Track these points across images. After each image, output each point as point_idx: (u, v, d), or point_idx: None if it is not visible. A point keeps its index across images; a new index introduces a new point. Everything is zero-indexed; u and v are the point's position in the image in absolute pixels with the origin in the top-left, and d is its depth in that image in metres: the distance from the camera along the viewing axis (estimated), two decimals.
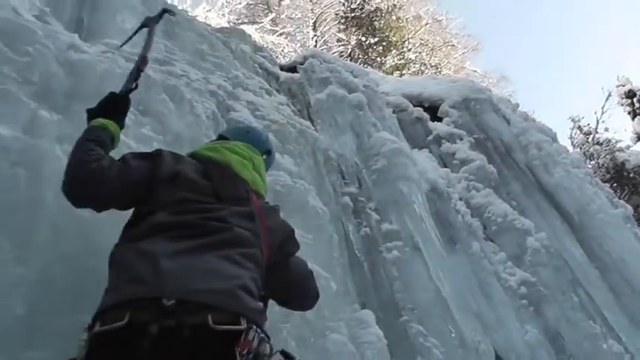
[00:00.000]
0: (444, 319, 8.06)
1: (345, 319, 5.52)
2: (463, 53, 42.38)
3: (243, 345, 2.46)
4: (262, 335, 2.60)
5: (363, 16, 35.71)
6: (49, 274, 3.36)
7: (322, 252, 6.00)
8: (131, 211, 3.31)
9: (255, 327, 2.57)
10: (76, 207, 3.27)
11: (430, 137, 13.80)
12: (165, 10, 4.89)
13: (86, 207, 3.32)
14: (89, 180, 3.15)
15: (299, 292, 3.75)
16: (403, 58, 36.91)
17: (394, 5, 37.08)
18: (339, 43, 36.67)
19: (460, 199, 11.74)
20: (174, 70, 6.87)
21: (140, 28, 4.79)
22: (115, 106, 3.67)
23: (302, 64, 12.89)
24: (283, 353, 2.71)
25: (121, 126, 3.64)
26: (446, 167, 12.83)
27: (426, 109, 14.65)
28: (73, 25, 7.28)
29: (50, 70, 4.55)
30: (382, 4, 36.55)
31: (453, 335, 7.99)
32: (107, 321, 2.44)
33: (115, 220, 3.72)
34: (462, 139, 13.64)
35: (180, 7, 11.20)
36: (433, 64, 38.12)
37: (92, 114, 3.60)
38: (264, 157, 4.10)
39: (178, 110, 5.61)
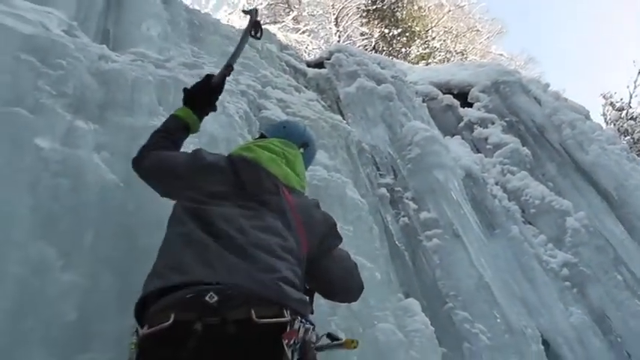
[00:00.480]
0: (488, 305, 8.04)
1: (391, 309, 5.52)
2: (488, 38, 42.11)
3: (290, 335, 2.47)
4: (307, 325, 2.61)
5: (385, 7, 35.54)
6: (96, 280, 3.43)
7: (363, 243, 5.99)
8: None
9: (299, 317, 2.59)
10: None
11: (462, 124, 13.77)
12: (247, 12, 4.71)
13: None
14: (138, 162, 3.75)
15: (343, 284, 3.69)
16: (428, 47, 36.71)
17: None
18: (363, 37, 36.55)
19: (496, 183, 11.70)
20: (203, 72, 6.85)
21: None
22: (201, 98, 4.13)
23: (328, 59, 12.93)
24: (329, 336, 2.72)
25: (201, 116, 4.14)
26: (479, 153, 12.80)
27: (455, 96, 14.61)
28: (100, 37, 7.37)
29: (83, 82, 4.60)
30: None
31: (498, 320, 7.97)
32: (153, 323, 2.49)
33: (159, 222, 3.79)
34: (493, 124, 13.58)
35: (202, 12, 11.15)
36: (459, 51, 37.86)
37: (184, 99, 4.10)
38: (302, 150, 4.09)
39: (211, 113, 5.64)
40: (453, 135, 13.21)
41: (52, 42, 4.68)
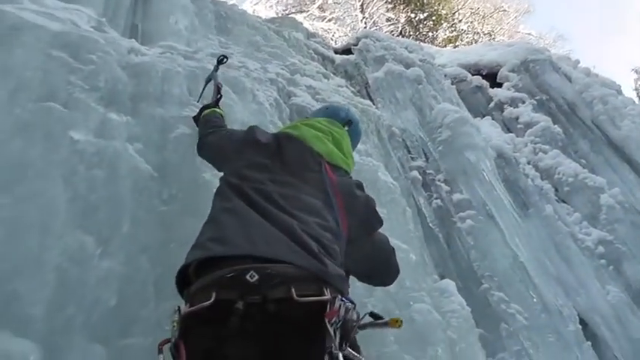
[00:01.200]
0: (524, 285, 8.03)
1: (426, 290, 5.51)
2: (515, 17, 41.51)
3: (331, 314, 2.43)
4: (348, 303, 2.56)
5: None
6: (134, 266, 3.52)
7: (397, 225, 6.00)
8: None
9: (339, 296, 2.55)
10: None
11: (492, 104, 13.70)
12: (219, 61, 5.20)
13: None
14: (199, 150, 4.15)
15: (381, 267, 3.72)
16: (455, 30, 36.34)
17: None
18: (389, 23, 36.26)
19: (528, 163, 11.63)
20: (231, 62, 6.94)
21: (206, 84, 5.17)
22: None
23: (356, 45, 12.94)
24: (372, 314, 2.72)
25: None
26: (510, 132, 12.70)
27: (484, 77, 14.52)
28: (128, 32, 7.47)
29: (114, 75, 4.68)
30: None
31: (534, 300, 7.96)
32: (195, 302, 2.50)
33: (193, 210, 3.87)
34: (524, 103, 13.48)
35: (228, 3, 11.22)
36: (486, 32, 37.42)
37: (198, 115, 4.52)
38: (347, 128, 4.10)
39: (242, 100, 5.70)
40: (483, 116, 13.15)
41: (83, 38, 4.76)
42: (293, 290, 2.45)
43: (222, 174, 3.52)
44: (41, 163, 3.53)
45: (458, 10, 37.37)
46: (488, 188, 9.11)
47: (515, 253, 8.18)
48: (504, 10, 40.67)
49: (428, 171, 9.43)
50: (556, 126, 12.70)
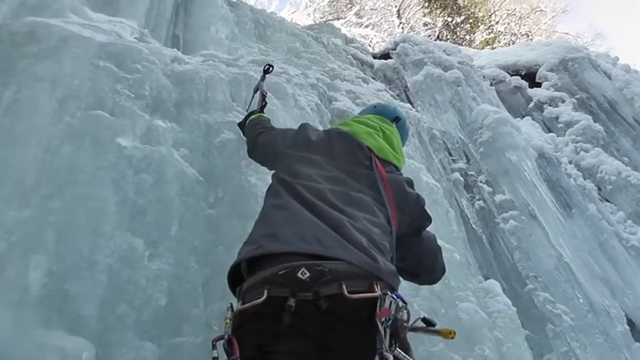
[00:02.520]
0: (570, 285, 7.96)
1: (472, 289, 5.51)
2: (552, 17, 41.02)
3: (382, 313, 2.43)
4: (398, 301, 2.52)
5: None
6: (182, 268, 3.60)
7: (441, 226, 6.00)
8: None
9: (389, 293, 2.52)
10: None
11: (531, 104, 13.60)
12: (265, 71, 5.23)
13: None
14: (250, 152, 4.29)
15: (429, 265, 3.73)
16: (492, 32, 36.10)
17: None
18: (426, 27, 36.19)
19: (570, 162, 11.50)
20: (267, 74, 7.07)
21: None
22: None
23: (394, 49, 12.98)
24: (425, 320, 2.70)
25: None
26: (551, 132, 12.60)
27: (523, 77, 14.45)
28: (170, 43, 7.62)
29: (159, 83, 4.82)
30: None
31: (580, 301, 7.87)
32: (247, 299, 2.53)
33: (239, 213, 3.95)
34: (564, 102, 13.37)
35: (268, 11, 11.37)
36: (523, 33, 37.05)
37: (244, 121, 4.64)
38: (395, 124, 4.09)
39: (284, 105, 5.77)
40: (523, 116, 13.06)
41: (127, 48, 4.91)
42: (344, 287, 2.46)
43: (273, 172, 3.52)
44: (91, 168, 3.64)
45: (494, 11, 37.14)
46: (530, 188, 9.05)
47: (559, 253, 8.11)
48: (541, 10, 40.25)
49: (469, 172, 9.41)
50: (597, 124, 12.55)
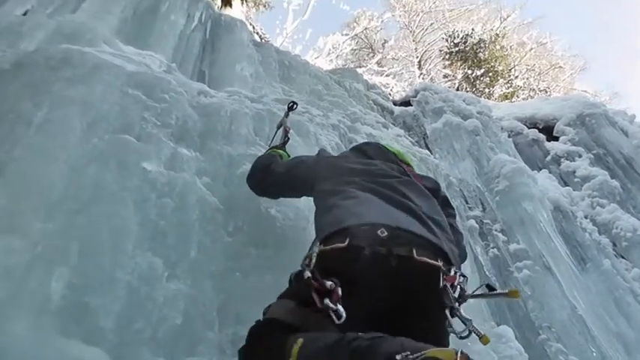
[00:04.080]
0: (583, 337, 7.88)
1: (485, 329, 5.50)
2: (571, 74, 41.24)
3: (450, 278, 2.81)
4: (462, 274, 2.94)
5: (467, 49, 35.30)
6: (199, 290, 3.64)
7: None
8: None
9: (453, 267, 2.92)
10: None
11: (548, 157, 13.63)
12: (289, 108, 5.37)
13: None
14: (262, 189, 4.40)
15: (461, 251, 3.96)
16: (511, 86, 36.27)
17: (497, 35, 36.50)
18: (446, 79, 36.49)
19: (585, 216, 11.46)
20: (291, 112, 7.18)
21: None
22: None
23: (414, 97, 13.09)
24: (488, 286, 2.94)
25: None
26: (567, 186, 12.60)
27: (541, 130, 14.51)
28: (196, 78, 7.78)
29: (185, 113, 4.96)
30: (485, 35, 35.96)
31: (594, 354, 7.79)
32: (330, 243, 2.90)
33: (256, 243, 4.03)
34: (580, 156, 13.40)
35: (292, 53, 11.55)
36: (542, 89, 37.15)
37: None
38: None
39: (305, 143, 5.86)
40: (540, 169, 13.08)
41: (156, 78, 5.05)
42: (414, 251, 2.80)
43: (319, 189, 3.76)
44: (115, 188, 3.74)
45: (514, 66, 37.37)
46: (545, 239, 9.03)
47: (573, 304, 8.06)
48: (560, 67, 40.46)
49: (485, 220, 9.41)
50: (614, 180, 12.54)
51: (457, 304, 2.76)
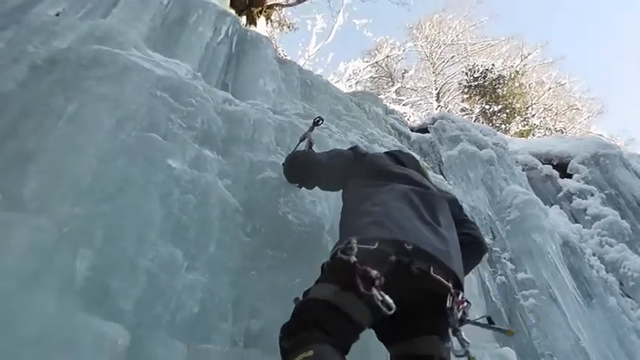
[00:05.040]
0: None
1: (488, 352, 5.59)
2: (588, 117, 41.27)
3: (458, 302, 3.16)
4: (467, 300, 3.25)
5: (486, 84, 35.43)
6: (216, 284, 3.78)
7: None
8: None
9: (461, 292, 3.25)
10: None
11: (560, 194, 13.66)
12: (315, 122, 5.49)
13: None
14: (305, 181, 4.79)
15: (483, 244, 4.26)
16: (527, 124, 36.24)
17: (517, 72, 36.66)
18: (463, 113, 36.51)
19: (594, 254, 11.48)
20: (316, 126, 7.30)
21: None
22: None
23: (432, 124, 13.21)
24: (489, 319, 3.31)
25: None
26: (577, 223, 12.64)
27: (555, 167, 14.56)
28: (219, 89, 7.89)
29: (210, 118, 5.12)
30: (505, 72, 36.15)
31: None
32: (363, 242, 3.12)
33: (272, 244, 4.17)
34: (592, 195, 13.42)
35: (314, 73, 11.70)
36: (558, 129, 37.00)
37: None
38: None
39: None
40: (551, 204, 13.13)
41: (184, 83, 5.21)
42: (432, 268, 3.12)
43: (353, 182, 4.10)
44: (141, 182, 3.88)
45: (532, 104, 37.39)
46: (552, 271, 9.07)
47: (576, 336, 8.09)
48: (577, 109, 40.47)
49: (494, 248, 9.46)
50: (624, 221, 12.56)
51: (458, 324, 3.12)
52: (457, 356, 3.11)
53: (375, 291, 2.81)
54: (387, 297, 2.79)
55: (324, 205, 4.95)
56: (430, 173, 4.67)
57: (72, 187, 3.57)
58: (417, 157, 4.64)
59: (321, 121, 5.43)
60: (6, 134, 3.87)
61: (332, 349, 2.71)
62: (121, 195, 3.69)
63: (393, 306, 2.76)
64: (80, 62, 4.73)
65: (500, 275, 9.00)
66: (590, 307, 9.95)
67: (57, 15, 6.80)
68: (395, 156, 4.40)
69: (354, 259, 2.96)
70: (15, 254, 2.95)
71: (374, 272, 2.86)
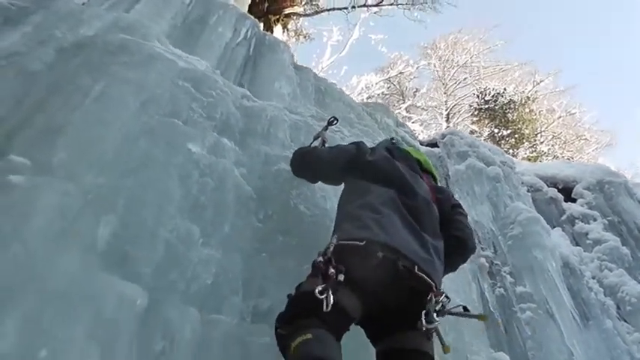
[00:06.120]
0: None
1: (484, 354, 5.73)
2: (596, 149, 41.24)
3: (437, 294, 3.38)
4: (447, 295, 3.45)
5: (497, 107, 35.33)
6: (229, 261, 3.98)
7: (463, 293, 6.29)
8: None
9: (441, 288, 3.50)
10: None
11: (564, 217, 13.74)
12: (329, 122, 5.71)
13: None
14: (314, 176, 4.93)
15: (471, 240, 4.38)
16: (535, 151, 36.12)
17: (528, 98, 36.58)
18: (472, 135, 36.57)
19: (593, 277, 11.58)
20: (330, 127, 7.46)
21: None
22: None
23: (442, 139, 13.35)
24: (464, 308, 3.51)
25: None
26: (578, 246, 12.74)
27: (560, 190, 14.64)
28: None
29: (229, 110, 5.33)
30: (516, 97, 36.05)
31: None
32: (349, 238, 3.39)
33: (282, 230, 4.34)
34: (595, 220, 13.50)
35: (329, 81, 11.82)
36: (566, 158, 37.10)
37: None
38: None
39: None
40: (553, 227, 13.22)
41: (205, 76, 5.41)
42: (416, 267, 3.36)
43: (351, 176, 4.27)
44: (162, 161, 4.08)
45: (541, 131, 37.26)
46: (551, 287, 9.18)
47: (570, 351, 8.22)
48: (586, 139, 40.37)
49: (495, 262, 9.57)
50: (624, 247, 12.64)
51: (435, 314, 3.31)
52: (427, 333, 3.34)
53: (320, 288, 3.01)
54: (331, 298, 2.95)
55: (334, 200, 5.08)
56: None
57: (97, 159, 3.73)
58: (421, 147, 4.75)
59: (335, 122, 5.58)
60: (35, 109, 4.01)
61: (328, 334, 2.91)
62: (143, 170, 3.88)
63: (329, 307, 2.92)
64: (107, 48, 4.89)
65: (500, 287, 9.11)
66: (587, 328, 10.04)
67: (82, 4, 6.99)
68: (391, 152, 4.55)
69: (320, 259, 3.24)
70: (43, 215, 3.11)
71: (330, 270, 3.11)
